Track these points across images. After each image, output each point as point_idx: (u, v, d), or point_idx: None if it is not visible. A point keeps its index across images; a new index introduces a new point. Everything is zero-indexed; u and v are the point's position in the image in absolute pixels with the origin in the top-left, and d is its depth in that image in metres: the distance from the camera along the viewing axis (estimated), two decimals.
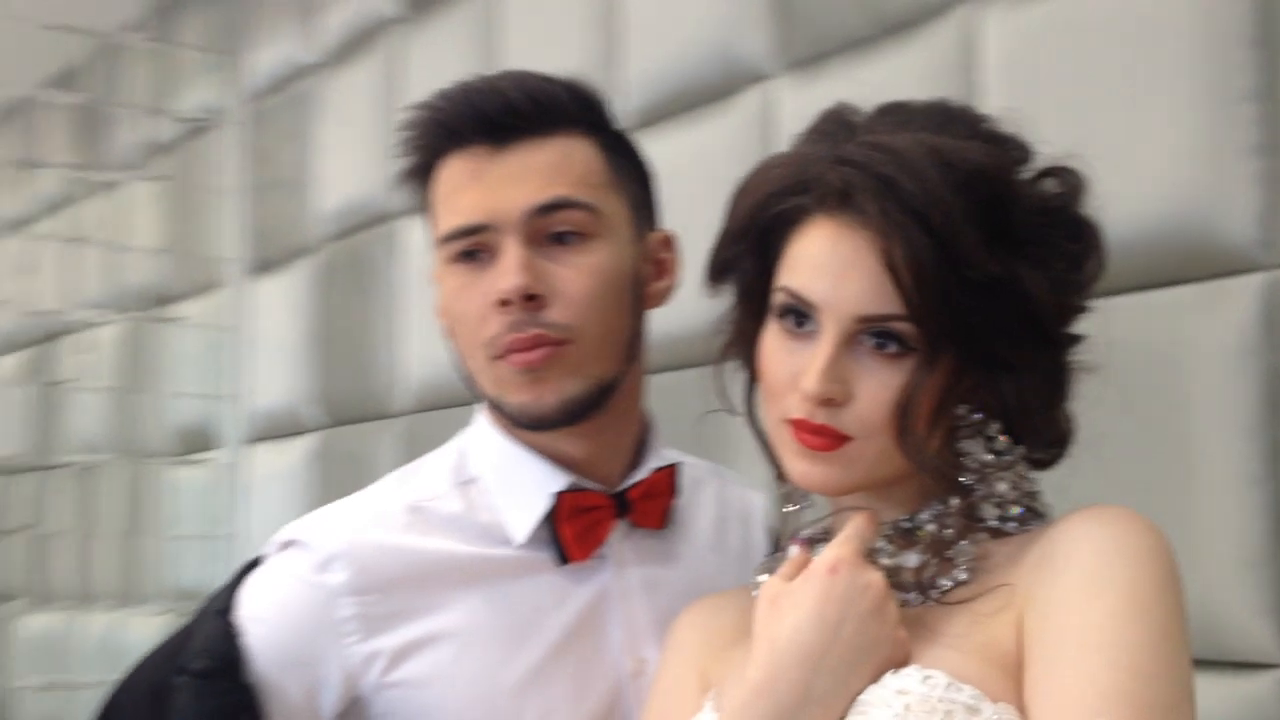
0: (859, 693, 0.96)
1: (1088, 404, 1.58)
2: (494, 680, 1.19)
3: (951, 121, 1.03)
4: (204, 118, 3.49)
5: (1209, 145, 1.55)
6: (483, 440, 1.27)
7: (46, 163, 3.85)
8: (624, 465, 1.27)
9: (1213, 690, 1.51)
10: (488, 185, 1.18)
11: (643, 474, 1.26)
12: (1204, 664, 1.50)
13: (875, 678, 0.96)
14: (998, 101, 1.75)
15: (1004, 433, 1.03)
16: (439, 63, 2.72)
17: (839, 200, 0.98)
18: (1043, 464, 1.08)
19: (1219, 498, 1.51)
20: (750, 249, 1.05)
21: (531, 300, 1.17)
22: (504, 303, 1.17)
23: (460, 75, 2.54)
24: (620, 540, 1.25)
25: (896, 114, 1.04)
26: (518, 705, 1.18)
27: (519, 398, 1.19)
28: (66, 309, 3.49)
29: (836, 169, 0.99)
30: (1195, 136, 1.56)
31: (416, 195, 1.27)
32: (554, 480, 1.23)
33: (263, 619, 1.19)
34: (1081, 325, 1.07)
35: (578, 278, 1.19)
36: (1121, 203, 1.60)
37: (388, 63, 2.88)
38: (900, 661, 0.97)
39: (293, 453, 3.07)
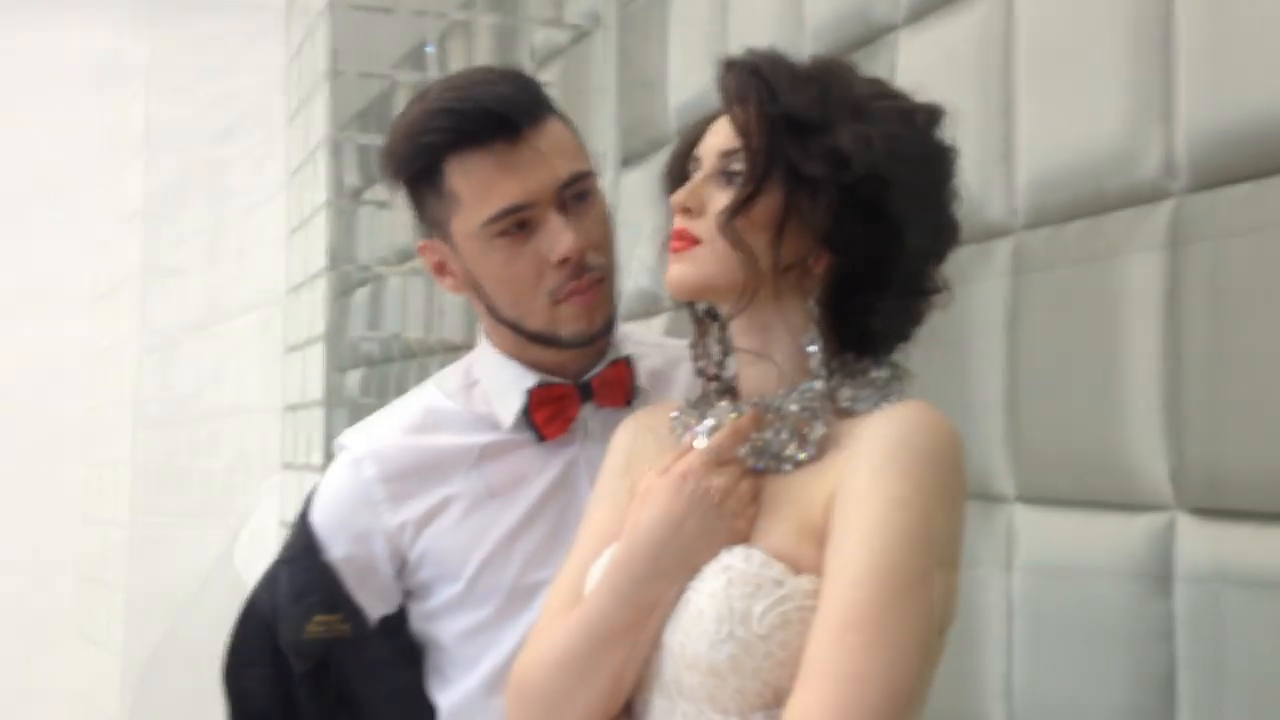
0: (701, 565, 1.23)
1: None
2: (489, 531, 1.53)
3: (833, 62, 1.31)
4: (585, 24, 3.84)
5: None
6: (483, 354, 1.61)
7: None
8: (590, 361, 1.57)
9: None
10: (518, 172, 1.46)
11: (600, 367, 1.56)
12: None
13: (714, 555, 1.24)
14: None
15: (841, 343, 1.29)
16: None
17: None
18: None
19: None
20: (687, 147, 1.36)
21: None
22: (564, 261, 1.47)
23: None
24: (589, 417, 1.56)
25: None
26: (509, 549, 1.53)
27: (576, 326, 1.51)
28: None
29: (730, 68, 1.29)
30: None
31: (413, 190, 1.54)
32: (527, 379, 1.55)
33: (325, 510, 1.58)
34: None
35: (597, 227, 1.50)
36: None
37: None
38: (738, 541, 1.24)
39: (655, 328, 3.40)
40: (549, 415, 1.54)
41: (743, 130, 1.26)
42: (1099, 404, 1.91)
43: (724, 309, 1.32)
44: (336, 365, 4.11)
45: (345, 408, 4.08)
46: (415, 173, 1.52)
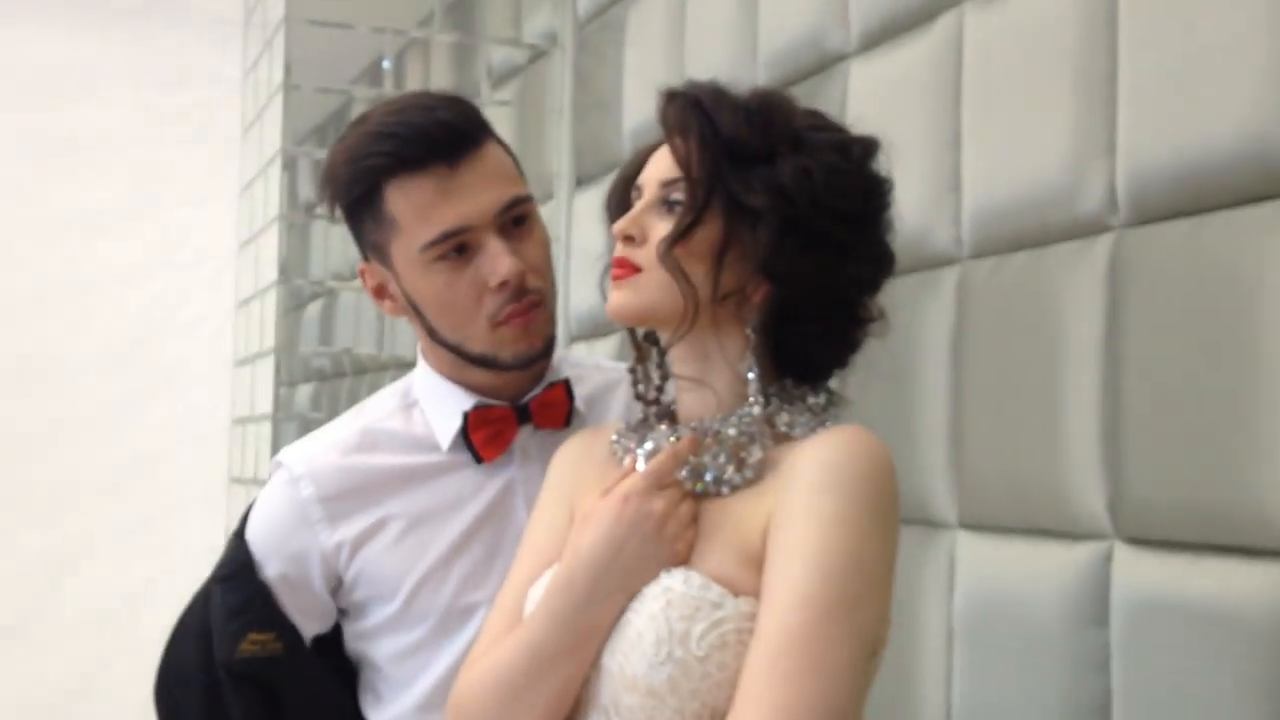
0: (641, 588, 1.25)
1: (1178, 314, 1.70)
2: (425, 552, 1.54)
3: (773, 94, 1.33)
4: (542, 45, 3.85)
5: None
6: (422, 376, 1.61)
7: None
8: (529, 384, 1.58)
9: None
10: (457, 196, 1.47)
11: (538, 390, 1.57)
12: None
13: (655, 577, 1.25)
14: None
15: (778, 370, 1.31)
16: None
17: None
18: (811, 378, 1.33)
19: None
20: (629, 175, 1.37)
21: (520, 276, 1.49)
22: (503, 284, 1.47)
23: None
24: (527, 440, 1.58)
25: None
26: (444, 571, 1.54)
27: (516, 348, 1.52)
28: None
29: (671, 99, 1.30)
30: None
31: (353, 214, 1.54)
32: (465, 402, 1.56)
33: (261, 528, 1.58)
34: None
35: (536, 250, 1.52)
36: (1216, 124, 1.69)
37: None
38: (678, 564, 1.25)
39: (604, 349, 3.41)
40: (487, 437, 1.55)
41: (683, 161, 1.27)
42: (1040, 433, 1.93)
43: (664, 335, 1.33)
44: (286, 379, 4.10)
45: (294, 422, 4.07)
46: (355, 197, 1.52)
